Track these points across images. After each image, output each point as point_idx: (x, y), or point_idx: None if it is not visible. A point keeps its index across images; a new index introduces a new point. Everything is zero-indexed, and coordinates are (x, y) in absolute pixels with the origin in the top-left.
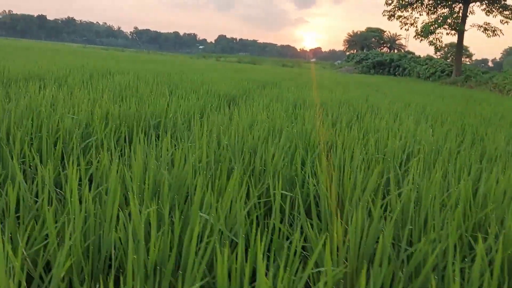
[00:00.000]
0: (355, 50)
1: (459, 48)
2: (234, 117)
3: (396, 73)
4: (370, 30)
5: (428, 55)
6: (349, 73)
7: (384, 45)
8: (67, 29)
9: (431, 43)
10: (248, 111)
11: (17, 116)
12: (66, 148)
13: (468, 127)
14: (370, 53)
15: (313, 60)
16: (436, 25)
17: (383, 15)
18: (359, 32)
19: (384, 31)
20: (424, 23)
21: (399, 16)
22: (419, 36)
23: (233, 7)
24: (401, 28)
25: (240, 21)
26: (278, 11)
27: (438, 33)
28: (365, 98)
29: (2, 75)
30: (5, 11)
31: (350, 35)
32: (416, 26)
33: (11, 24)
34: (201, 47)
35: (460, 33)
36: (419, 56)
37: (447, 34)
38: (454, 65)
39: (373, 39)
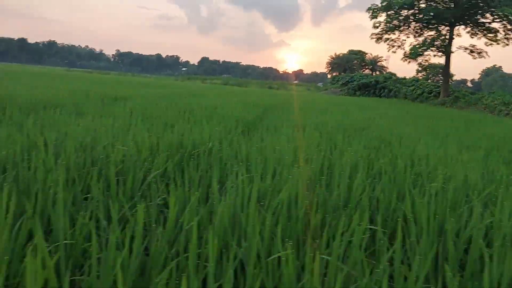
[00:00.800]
0: (338, 73)
1: (447, 70)
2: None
3: (382, 95)
4: (352, 52)
5: (414, 77)
6: (336, 95)
7: (366, 67)
8: (48, 52)
9: (420, 65)
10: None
11: (69, 151)
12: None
13: None
14: (356, 75)
15: (296, 82)
16: (424, 47)
17: (371, 38)
18: (341, 55)
19: (366, 53)
20: (412, 46)
21: (387, 39)
22: (407, 58)
23: (216, 29)
24: (388, 51)
25: (223, 43)
26: (260, 33)
27: (426, 55)
28: (376, 122)
29: (16, 103)
30: None
31: (333, 58)
32: (404, 48)
33: None
34: (184, 69)
35: (447, 55)
36: (404, 78)
37: (434, 56)
38: (442, 86)
39: (355, 61)
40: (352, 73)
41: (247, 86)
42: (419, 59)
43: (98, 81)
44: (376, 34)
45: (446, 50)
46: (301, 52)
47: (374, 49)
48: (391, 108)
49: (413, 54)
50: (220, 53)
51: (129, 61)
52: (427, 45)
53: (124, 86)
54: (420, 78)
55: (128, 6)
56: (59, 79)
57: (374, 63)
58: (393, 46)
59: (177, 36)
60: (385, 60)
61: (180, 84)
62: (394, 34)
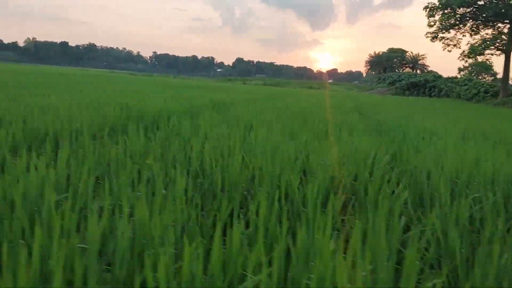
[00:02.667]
0: (378, 71)
1: (506, 69)
2: None
3: (432, 94)
4: (392, 50)
5: (462, 75)
6: (382, 94)
7: (407, 66)
8: (88, 55)
9: (481, 64)
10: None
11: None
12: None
13: None
14: (403, 74)
15: (330, 81)
16: (483, 46)
17: (426, 37)
18: (380, 53)
19: (406, 52)
20: (469, 44)
21: (442, 38)
22: (465, 57)
23: (249, 30)
24: (443, 50)
25: (256, 44)
26: (294, 33)
27: (487, 54)
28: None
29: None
30: (29, 38)
31: (372, 56)
32: (459, 47)
33: (34, 51)
34: (219, 70)
35: (507, 54)
36: (456, 77)
37: (492, 55)
38: (502, 86)
39: (395, 60)
40: (392, 71)
41: (286, 86)
42: (479, 58)
43: (169, 85)
44: (431, 33)
45: (506, 48)
46: (335, 51)
47: (414, 48)
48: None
49: (473, 53)
50: (254, 53)
51: (166, 63)
52: (488, 44)
53: (196, 91)
54: (460, 76)
55: (163, 9)
56: (136, 84)
57: (415, 61)
58: (448, 45)
59: (211, 38)
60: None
61: (229, 86)
62: (449, 32)
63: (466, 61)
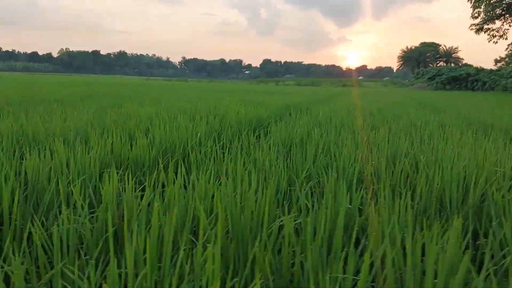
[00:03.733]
0: (411, 67)
1: None
2: None
3: (475, 88)
4: (425, 44)
5: (501, 67)
6: (424, 90)
7: (440, 60)
8: (119, 63)
9: None
10: None
11: None
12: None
13: None
14: (443, 68)
15: (361, 77)
16: None
17: (470, 29)
18: (413, 47)
19: (440, 45)
20: None
21: (487, 29)
22: None
23: (275, 31)
24: (489, 41)
25: (282, 44)
26: (320, 31)
27: None
28: None
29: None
30: (62, 49)
31: (404, 51)
32: (506, 38)
33: (68, 61)
34: (247, 72)
35: None
36: (499, 69)
37: None
38: None
39: (429, 54)
40: (426, 66)
41: (320, 85)
42: None
43: (217, 90)
44: (475, 25)
45: None
46: (363, 47)
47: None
48: None
49: None
50: (281, 54)
51: (195, 67)
52: None
53: (253, 95)
54: (497, 68)
55: (190, 14)
56: (192, 91)
57: (449, 55)
58: (494, 36)
59: (238, 40)
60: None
61: (269, 88)
62: (495, 23)
63: None
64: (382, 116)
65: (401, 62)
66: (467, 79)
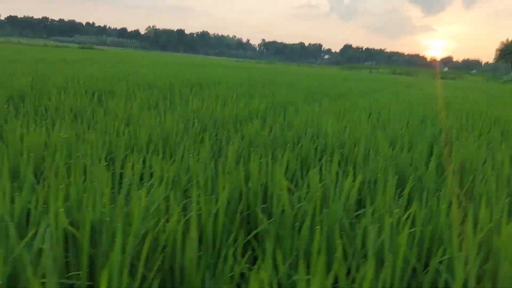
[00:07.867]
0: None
1: None
2: None
3: None
4: None
5: None
6: None
7: None
8: (201, 42)
9: None
10: None
11: None
12: None
13: None
14: None
15: (446, 69)
16: None
17: None
18: None
19: None
20: None
21: None
22: None
23: (357, 15)
24: None
25: (364, 30)
26: (404, 18)
27: None
28: None
29: None
30: (149, 26)
31: (505, 44)
32: None
33: (154, 38)
34: (326, 56)
35: None
36: None
37: None
38: None
39: None
40: None
41: (415, 75)
42: None
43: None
44: None
45: None
46: (449, 38)
47: None
48: None
49: None
50: (361, 40)
51: (274, 50)
52: None
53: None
54: None
55: None
56: (290, 75)
57: None
58: None
59: (318, 24)
60: None
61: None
62: None
63: None
64: None
65: (498, 56)
66: None
